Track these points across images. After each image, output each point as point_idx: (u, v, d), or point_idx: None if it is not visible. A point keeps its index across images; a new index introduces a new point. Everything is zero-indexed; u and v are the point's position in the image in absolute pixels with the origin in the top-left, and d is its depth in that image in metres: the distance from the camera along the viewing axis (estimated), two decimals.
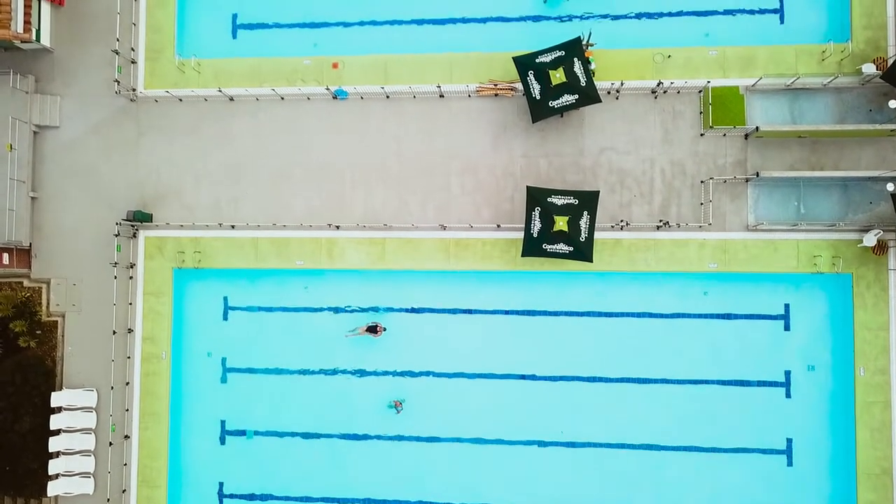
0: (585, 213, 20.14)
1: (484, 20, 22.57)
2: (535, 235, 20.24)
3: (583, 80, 20.27)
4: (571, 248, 20.13)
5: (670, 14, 22.07)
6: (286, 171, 22.64)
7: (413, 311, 22.54)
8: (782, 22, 21.78)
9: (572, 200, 20.19)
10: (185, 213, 22.83)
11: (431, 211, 22.25)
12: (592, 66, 20.89)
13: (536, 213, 20.21)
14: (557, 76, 20.12)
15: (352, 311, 22.70)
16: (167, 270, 22.83)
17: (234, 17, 23.42)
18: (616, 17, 22.17)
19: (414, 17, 22.79)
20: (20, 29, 21.61)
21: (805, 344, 21.42)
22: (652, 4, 22.07)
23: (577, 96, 20.34)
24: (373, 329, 21.84)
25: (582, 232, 20.13)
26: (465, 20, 22.65)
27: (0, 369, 22.37)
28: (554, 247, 20.20)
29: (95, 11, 23.14)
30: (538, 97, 20.45)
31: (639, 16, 22.11)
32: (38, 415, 22.33)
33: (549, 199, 20.21)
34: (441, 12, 22.66)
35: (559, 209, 20.07)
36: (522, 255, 20.60)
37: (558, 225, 19.91)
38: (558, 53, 20.38)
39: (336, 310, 22.80)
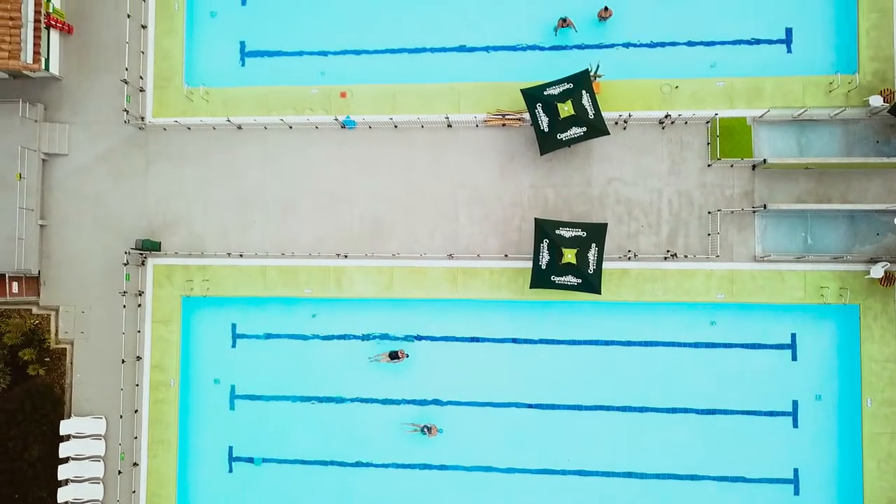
0: (594, 245, 20.21)
1: (492, 49, 22.61)
2: (544, 267, 20.30)
3: (591, 113, 20.34)
4: (580, 281, 20.20)
5: (677, 44, 22.08)
6: (294, 199, 22.72)
7: (420, 339, 22.59)
8: (790, 51, 21.80)
9: (580, 233, 20.26)
10: (193, 242, 22.89)
11: (439, 240, 22.33)
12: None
13: (545, 245, 20.27)
14: (566, 109, 20.18)
15: (360, 338, 22.76)
16: (176, 298, 22.90)
17: (242, 44, 23.46)
18: (624, 47, 22.17)
19: (422, 45, 22.82)
20: (30, 59, 21.67)
21: (812, 374, 21.47)
22: (659, 34, 22.10)
23: (585, 129, 20.41)
24: (395, 355, 21.87)
25: (590, 264, 20.19)
26: (472, 49, 22.68)
27: (9, 397, 22.45)
28: (562, 279, 20.26)
29: (104, 39, 23.21)
30: (546, 129, 20.52)
31: (646, 45, 22.12)
32: (47, 443, 22.40)
33: (557, 232, 20.27)
34: (449, 41, 22.69)
35: (567, 241, 20.13)
36: (531, 287, 20.67)
37: (567, 257, 19.97)
38: (566, 86, 20.45)
39: (344, 337, 22.88)
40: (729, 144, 21.18)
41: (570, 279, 20.22)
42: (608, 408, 22.06)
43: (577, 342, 22.25)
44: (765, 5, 21.82)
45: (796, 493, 21.36)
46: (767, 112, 20.89)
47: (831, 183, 21.06)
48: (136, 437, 22.59)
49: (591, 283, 20.21)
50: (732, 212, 21.27)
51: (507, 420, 22.27)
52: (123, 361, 22.46)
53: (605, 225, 20.51)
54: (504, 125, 22.03)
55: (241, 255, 22.67)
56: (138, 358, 22.72)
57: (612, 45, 22.19)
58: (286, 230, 22.70)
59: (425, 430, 21.79)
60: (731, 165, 21.37)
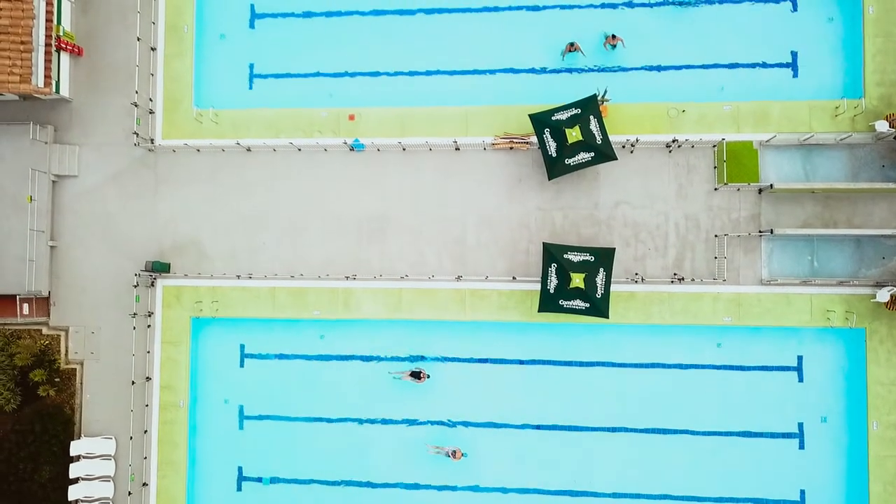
0: (601, 269, 20.34)
1: (499, 72, 22.75)
2: (552, 292, 20.43)
3: (599, 138, 20.47)
4: (588, 305, 20.32)
5: (684, 67, 22.21)
6: (303, 221, 22.86)
7: (429, 360, 22.71)
8: (796, 76, 21.92)
9: (588, 257, 20.38)
10: (202, 263, 23.03)
11: (447, 262, 22.47)
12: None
13: (553, 269, 20.41)
14: (574, 134, 20.31)
15: (368, 359, 22.91)
16: (185, 319, 23.03)
17: (251, 66, 23.60)
18: (631, 70, 22.30)
19: (429, 68, 22.95)
20: (41, 83, 21.81)
21: (818, 396, 21.58)
22: (666, 58, 22.23)
23: (593, 154, 20.55)
24: (416, 375, 21.98)
25: (598, 288, 20.32)
26: (480, 72, 22.82)
27: (20, 418, 22.64)
28: (570, 303, 20.39)
29: (114, 62, 23.37)
30: (554, 155, 20.65)
31: (653, 69, 22.25)
32: (58, 463, 22.54)
33: (565, 256, 20.40)
34: (457, 65, 22.83)
35: (575, 266, 20.26)
36: (539, 311, 20.80)
37: (574, 282, 20.09)
38: (574, 111, 20.58)
39: (352, 358, 23.02)
40: (735, 168, 21.30)
41: (578, 303, 20.35)
42: (615, 429, 22.16)
43: (583, 364, 22.36)
44: (771, 29, 21.97)
45: None
46: (774, 137, 20.99)
47: (837, 207, 21.19)
48: (145, 458, 22.71)
49: (598, 308, 20.33)
50: (739, 236, 21.38)
51: (514, 441, 22.36)
52: (133, 383, 22.57)
53: (613, 250, 20.65)
54: (511, 148, 22.17)
55: (250, 277, 22.80)
56: (148, 378, 22.86)
57: (620, 69, 22.32)
58: (295, 252, 22.84)
59: (449, 453, 21.77)
60: (738, 189, 21.50)
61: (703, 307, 21.52)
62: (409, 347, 22.79)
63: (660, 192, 21.82)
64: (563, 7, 22.59)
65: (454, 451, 21.66)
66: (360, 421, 22.91)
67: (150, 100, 23.13)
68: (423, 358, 22.68)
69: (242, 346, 23.42)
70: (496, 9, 22.81)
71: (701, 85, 22.06)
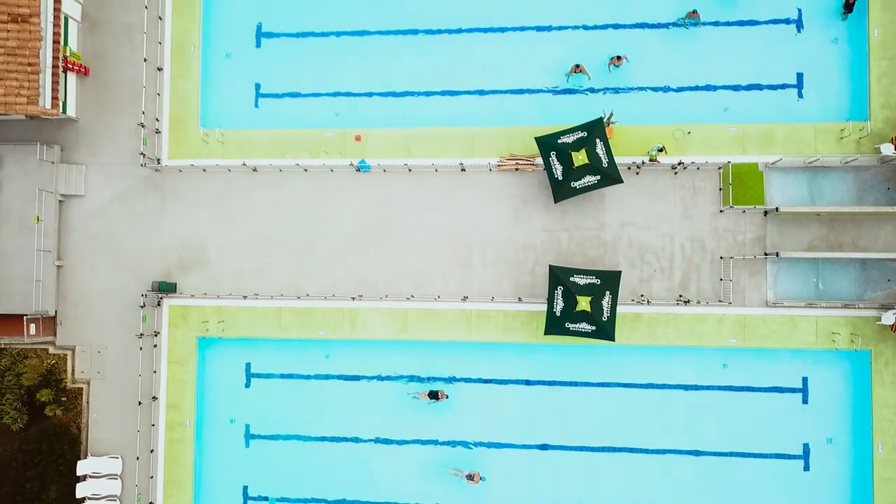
0: (608, 293, 20.38)
1: (505, 93, 22.79)
2: (558, 315, 20.49)
3: (605, 161, 20.52)
4: (594, 328, 20.38)
5: (690, 89, 22.25)
6: (309, 241, 22.91)
7: (435, 380, 22.75)
8: (801, 98, 21.94)
9: (594, 280, 20.43)
10: (208, 283, 23.08)
11: (453, 282, 22.52)
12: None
13: (559, 292, 20.46)
14: (580, 157, 20.36)
15: (374, 378, 22.98)
16: (191, 339, 23.10)
17: (257, 86, 23.66)
18: (636, 92, 22.34)
19: (435, 89, 22.98)
20: (48, 105, 21.81)
21: (823, 418, 21.63)
22: (672, 79, 22.28)
23: (599, 177, 20.60)
24: (434, 395, 21.99)
25: (604, 311, 20.37)
26: (485, 92, 22.86)
27: (27, 438, 22.71)
28: (576, 326, 20.45)
29: (120, 81, 23.41)
30: (560, 178, 20.70)
31: (659, 90, 22.28)
32: (64, 483, 22.63)
33: (571, 279, 20.45)
34: (463, 85, 22.87)
35: (581, 289, 20.31)
36: (545, 334, 20.86)
37: (581, 305, 20.15)
38: (580, 134, 20.62)
39: (357, 378, 23.08)
40: (741, 191, 21.34)
41: (585, 326, 20.40)
42: (619, 449, 22.22)
43: (588, 384, 22.41)
44: (776, 51, 22.00)
45: None
46: (780, 160, 21.01)
47: (842, 229, 21.23)
48: (151, 477, 22.77)
49: (605, 331, 20.39)
50: (744, 258, 21.42)
51: (519, 461, 22.43)
52: (140, 402, 22.65)
53: (619, 273, 20.71)
54: (517, 169, 22.21)
55: (256, 297, 22.85)
56: (154, 398, 22.91)
57: (625, 90, 22.37)
58: (300, 272, 22.89)
59: (468, 477, 21.71)
60: (743, 211, 21.54)
61: (709, 329, 21.57)
62: (414, 368, 22.84)
63: (665, 214, 21.86)
64: (569, 28, 22.65)
65: (472, 475, 21.66)
66: (366, 440, 22.96)
67: (157, 120, 23.18)
68: (429, 378, 22.73)
69: (248, 366, 23.48)
70: (502, 30, 22.87)
71: (706, 107, 22.10)
